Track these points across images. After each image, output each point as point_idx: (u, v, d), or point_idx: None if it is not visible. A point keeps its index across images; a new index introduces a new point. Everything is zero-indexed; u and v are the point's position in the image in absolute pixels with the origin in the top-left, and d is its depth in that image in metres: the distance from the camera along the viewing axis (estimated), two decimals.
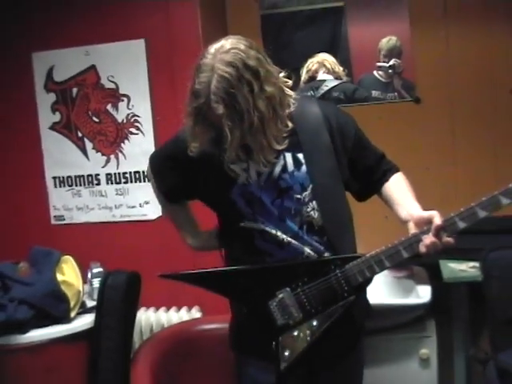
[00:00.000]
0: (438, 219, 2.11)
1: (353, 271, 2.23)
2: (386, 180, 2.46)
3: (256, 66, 2.12)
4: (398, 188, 2.42)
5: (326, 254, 2.31)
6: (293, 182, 2.30)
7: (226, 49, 2.12)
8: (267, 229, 2.30)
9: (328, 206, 2.33)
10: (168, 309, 3.81)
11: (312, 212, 2.31)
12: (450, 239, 2.11)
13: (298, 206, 2.30)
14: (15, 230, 4.14)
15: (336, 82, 4.15)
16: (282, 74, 2.27)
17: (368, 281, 2.29)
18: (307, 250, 2.30)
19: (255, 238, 2.32)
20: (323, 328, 2.25)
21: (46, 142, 4.09)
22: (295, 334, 2.27)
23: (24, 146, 4.12)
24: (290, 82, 2.30)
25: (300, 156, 2.31)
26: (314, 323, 2.26)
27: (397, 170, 2.50)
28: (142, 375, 3.24)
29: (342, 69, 4.18)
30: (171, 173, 2.50)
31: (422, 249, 2.14)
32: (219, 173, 2.29)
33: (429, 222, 2.13)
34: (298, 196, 2.30)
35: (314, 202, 2.31)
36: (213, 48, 2.15)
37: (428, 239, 2.12)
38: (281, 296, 2.27)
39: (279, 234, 2.29)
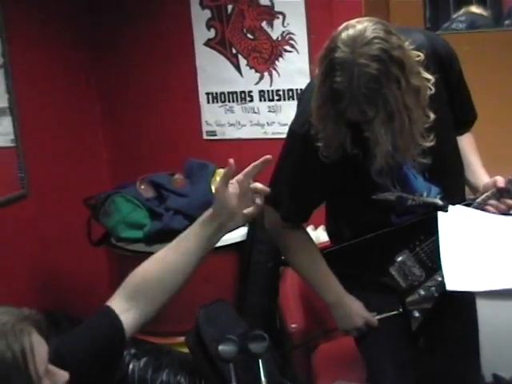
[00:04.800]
0: (500, 181, 2.14)
1: None
2: (466, 131, 2.38)
3: (400, 56, 1.84)
4: (472, 150, 2.37)
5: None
6: None
7: (366, 39, 1.81)
8: (404, 194, 2.18)
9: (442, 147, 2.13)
10: (316, 227, 3.82)
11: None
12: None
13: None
14: (169, 143, 4.22)
15: None
16: (411, 47, 1.94)
17: None
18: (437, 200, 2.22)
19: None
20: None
21: (200, 58, 4.13)
22: (422, 293, 2.23)
23: (179, 61, 4.18)
24: (422, 56, 1.97)
25: None
26: (439, 278, 2.18)
27: (474, 121, 2.41)
28: (290, 289, 3.30)
29: None
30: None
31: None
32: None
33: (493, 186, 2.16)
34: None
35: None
36: (347, 37, 1.84)
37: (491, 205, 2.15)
38: (400, 259, 2.21)
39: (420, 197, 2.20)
